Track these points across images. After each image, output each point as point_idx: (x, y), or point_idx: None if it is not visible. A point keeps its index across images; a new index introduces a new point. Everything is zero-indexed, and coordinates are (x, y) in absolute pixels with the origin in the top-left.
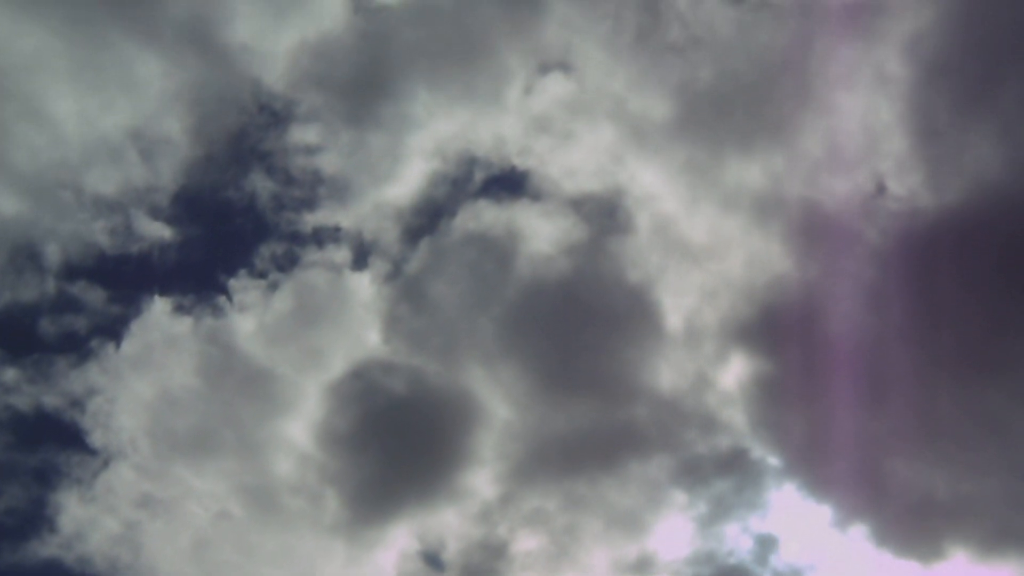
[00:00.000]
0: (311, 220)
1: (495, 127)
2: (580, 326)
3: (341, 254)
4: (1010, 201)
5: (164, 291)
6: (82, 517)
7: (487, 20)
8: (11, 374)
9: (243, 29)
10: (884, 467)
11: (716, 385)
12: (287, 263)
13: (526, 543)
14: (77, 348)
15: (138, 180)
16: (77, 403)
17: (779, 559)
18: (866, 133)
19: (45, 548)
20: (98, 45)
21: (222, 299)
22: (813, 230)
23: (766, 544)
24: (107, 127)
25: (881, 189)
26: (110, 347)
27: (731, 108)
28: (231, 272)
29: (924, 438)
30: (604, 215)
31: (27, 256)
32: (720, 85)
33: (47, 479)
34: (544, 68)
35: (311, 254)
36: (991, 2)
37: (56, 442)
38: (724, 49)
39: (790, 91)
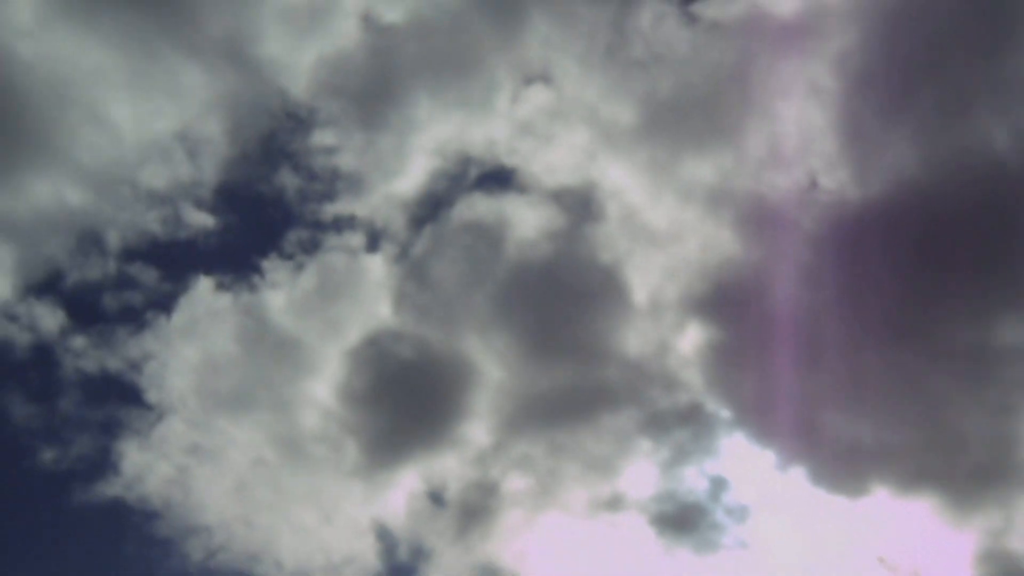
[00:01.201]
0: (331, 210)
1: (486, 130)
2: (560, 300)
3: (356, 239)
4: (925, 194)
5: (207, 271)
6: (140, 463)
7: (479, 37)
8: (80, 341)
9: (271, 45)
10: (819, 418)
11: (675, 350)
12: (311, 247)
13: (515, 484)
14: (135, 320)
15: (184, 176)
16: (135, 366)
17: (730, 497)
18: (801, 136)
19: (110, 489)
20: (150, 58)
21: (256, 278)
22: (757, 218)
23: (719, 484)
24: (158, 130)
25: (814, 184)
26: (162, 319)
27: (687, 114)
28: (264, 255)
29: (852, 393)
30: (579, 206)
31: (91, 241)
32: (677, 95)
33: (111, 431)
34: (528, 80)
35: (331, 239)
36: (907, 22)
37: (118, 399)
38: (681, 64)
39: (736, 100)
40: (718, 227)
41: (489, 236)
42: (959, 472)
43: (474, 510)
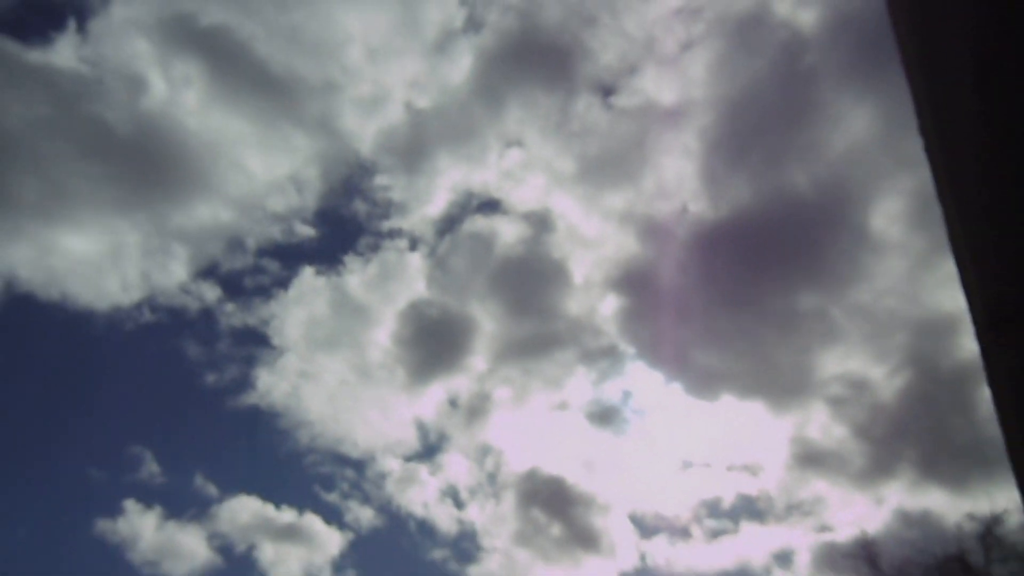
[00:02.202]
0: (386, 225)
1: (482, 175)
2: (529, 281)
3: (402, 243)
4: (754, 216)
5: (309, 263)
6: (268, 383)
7: (478, 117)
8: (230, 307)
9: (349, 120)
10: (689, 352)
11: (600, 312)
12: (374, 248)
13: (501, 394)
14: (264, 293)
15: (294, 203)
16: (265, 322)
17: (634, 402)
18: (677, 179)
19: (249, 399)
20: (272, 128)
21: (340, 267)
22: (650, 231)
23: (627, 394)
24: (277, 174)
25: (685, 209)
26: (281, 292)
27: (606, 166)
28: (345, 253)
29: (710, 337)
30: (540, 223)
31: (237, 244)
32: (601, 154)
33: (250, 363)
34: (508, 144)
35: (387, 243)
36: (743, 109)
37: (254, 343)
38: (603, 135)
39: (637, 157)
40: (626, 236)
41: (485, 242)
42: (776, 386)
43: (476, 411)
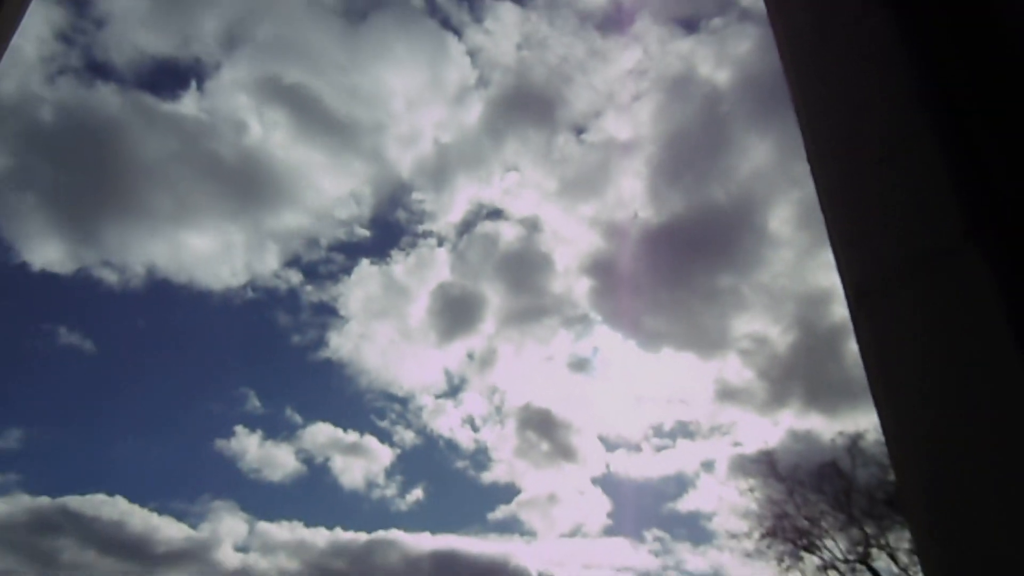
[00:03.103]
0: (421, 228)
1: (489, 192)
2: (523, 269)
3: (432, 241)
4: (688, 219)
5: (366, 256)
6: (339, 341)
7: (485, 148)
8: (309, 288)
9: (392, 151)
10: (640, 318)
11: (576, 290)
12: (412, 245)
13: (505, 349)
14: (333, 277)
15: (354, 212)
16: (334, 298)
17: (601, 355)
18: (630, 194)
19: (324, 354)
20: (336, 156)
21: (388, 259)
22: (612, 231)
23: (596, 349)
24: (340, 191)
25: (636, 215)
26: (346, 277)
27: (580, 185)
28: (391, 248)
29: (656, 305)
30: (531, 227)
31: (312, 242)
32: (576, 176)
33: (324, 327)
34: (507, 168)
35: (421, 241)
36: (677, 141)
37: (326, 314)
38: (576, 162)
39: (601, 177)
40: (594, 235)
41: (492, 241)
42: (704, 340)
43: (486, 361)
